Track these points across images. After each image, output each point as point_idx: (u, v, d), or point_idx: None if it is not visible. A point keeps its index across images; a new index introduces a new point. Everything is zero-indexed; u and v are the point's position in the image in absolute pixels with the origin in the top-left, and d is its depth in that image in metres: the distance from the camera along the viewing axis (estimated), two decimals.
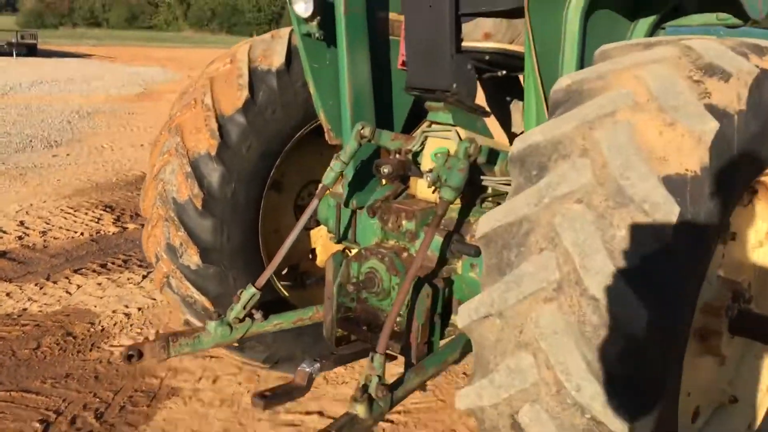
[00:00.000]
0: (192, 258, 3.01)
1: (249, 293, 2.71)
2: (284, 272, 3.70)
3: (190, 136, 3.01)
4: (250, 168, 3.06)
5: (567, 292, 1.72)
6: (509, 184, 2.73)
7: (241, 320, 2.72)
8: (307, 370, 2.53)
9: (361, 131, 2.83)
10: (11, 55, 28.17)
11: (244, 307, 2.69)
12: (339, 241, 3.29)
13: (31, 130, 10.98)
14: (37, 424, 3.03)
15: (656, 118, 1.79)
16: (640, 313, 1.64)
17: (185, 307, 3.13)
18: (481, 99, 3.18)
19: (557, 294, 1.73)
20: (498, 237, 1.91)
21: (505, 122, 3.52)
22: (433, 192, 2.63)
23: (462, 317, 1.94)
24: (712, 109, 1.77)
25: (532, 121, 2.43)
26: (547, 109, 2.40)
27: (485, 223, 1.94)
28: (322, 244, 3.76)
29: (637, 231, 1.68)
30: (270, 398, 2.45)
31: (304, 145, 3.37)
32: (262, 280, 2.71)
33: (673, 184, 1.68)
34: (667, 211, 1.65)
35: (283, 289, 3.41)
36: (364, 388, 2.16)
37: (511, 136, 3.58)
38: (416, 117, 3.58)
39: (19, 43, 29.37)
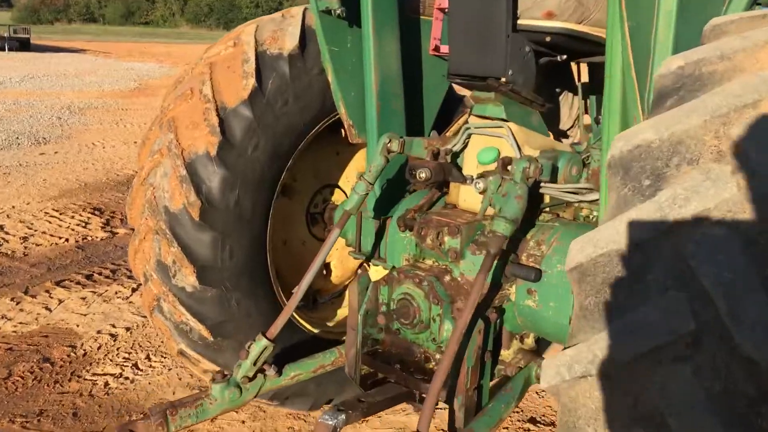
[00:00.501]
0: (187, 278, 2.52)
1: (260, 346, 2.27)
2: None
3: (185, 133, 2.53)
4: (257, 171, 2.58)
5: (708, 349, 1.25)
6: (575, 193, 2.28)
7: (252, 378, 2.25)
8: (330, 423, 2.05)
9: (389, 145, 2.37)
10: (3, 49, 27.55)
11: (255, 363, 2.23)
12: (360, 256, 2.81)
13: (19, 126, 10.44)
14: None
15: None
16: None
17: (179, 336, 2.65)
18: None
19: (693, 352, 1.26)
20: (599, 270, 1.43)
21: (551, 118, 3.03)
22: (482, 203, 2.15)
23: (548, 374, 1.46)
24: None
25: (614, 117, 1.94)
26: (640, 100, 1.93)
27: (579, 250, 1.46)
28: (338, 257, 3.27)
29: None
30: None
31: (319, 143, 2.90)
32: (274, 330, 2.25)
33: None
34: None
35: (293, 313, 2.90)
36: None
37: (558, 134, 3.10)
38: (450, 111, 3.11)
39: (12, 37, 28.73)
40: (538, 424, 2.99)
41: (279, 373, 2.32)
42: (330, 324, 3.12)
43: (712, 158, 1.35)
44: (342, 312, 3.28)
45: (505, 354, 2.36)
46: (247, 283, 2.65)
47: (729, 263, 1.24)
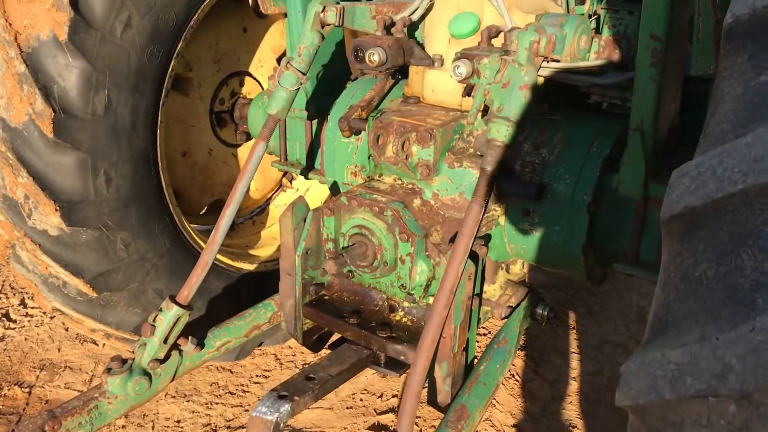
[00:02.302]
0: (48, 218, 1.83)
1: (169, 317, 1.62)
2: (203, 212, 2.53)
3: (17, 8, 1.72)
4: (133, 60, 1.82)
5: None
6: (590, 73, 1.67)
7: (163, 360, 1.61)
8: (269, 417, 1.47)
9: (322, 15, 1.66)
10: None
11: (165, 340, 1.58)
12: (287, 167, 2.16)
13: None
14: None
15: None
16: None
17: (49, 292, 1.97)
18: None
19: None
20: (726, 219, 0.86)
21: None
22: (469, 95, 1.51)
23: (636, 386, 0.93)
24: None
25: None
26: None
27: (690, 185, 0.88)
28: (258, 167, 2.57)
29: None
30: None
31: (218, 17, 2.12)
32: (188, 292, 1.61)
33: None
34: None
35: (198, 238, 2.23)
36: None
37: None
38: None
39: None
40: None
41: (200, 345, 1.70)
42: (253, 252, 2.48)
43: None
44: (267, 234, 2.65)
45: (491, 290, 1.83)
46: (136, 218, 1.96)
47: None
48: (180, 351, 1.68)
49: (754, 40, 0.89)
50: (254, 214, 2.70)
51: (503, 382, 2.37)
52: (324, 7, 1.70)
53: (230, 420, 2.24)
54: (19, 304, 2.79)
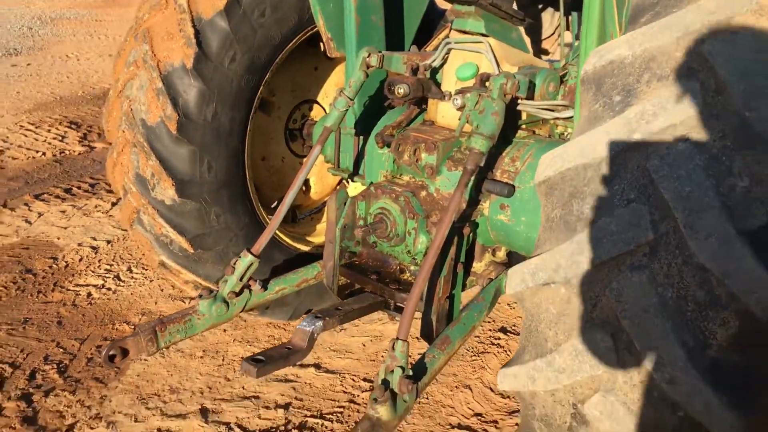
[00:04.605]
0: (167, 191, 2.55)
1: (245, 262, 2.26)
2: (273, 205, 3.25)
3: (161, 44, 2.49)
4: (234, 84, 2.56)
5: (664, 258, 1.32)
6: (551, 110, 2.31)
7: (238, 293, 2.28)
8: (308, 329, 2.14)
9: (368, 59, 2.35)
10: None
11: (241, 279, 2.26)
12: (339, 173, 2.84)
13: None
14: None
15: None
16: (762, 287, 1.24)
17: (159, 248, 2.69)
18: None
19: (650, 260, 1.33)
20: (566, 183, 1.49)
21: (534, 31, 3.01)
22: (460, 119, 2.17)
23: (513, 282, 1.54)
24: None
25: (592, 33, 1.95)
26: (618, 15, 1.93)
27: (549, 164, 1.51)
28: (318, 174, 3.30)
29: (765, 182, 1.26)
30: (264, 363, 2.06)
31: (298, 57, 2.87)
32: (259, 246, 2.27)
33: None
34: None
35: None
36: (386, 383, 1.75)
37: (539, 48, 3.09)
38: (431, 26, 3.07)
39: None
40: (508, 333, 3.13)
41: (264, 287, 2.37)
42: (309, 238, 3.18)
43: (682, 75, 1.38)
44: (321, 227, 3.34)
45: (477, 266, 2.44)
46: (227, 198, 2.68)
47: (690, 178, 1.29)
48: (250, 289, 2.35)
49: (596, 85, 1.52)
50: (313, 212, 3.40)
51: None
52: (369, 54, 2.40)
53: None
54: (127, 270, 3.58)
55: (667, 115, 1.35)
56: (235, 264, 2.31)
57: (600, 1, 1.88)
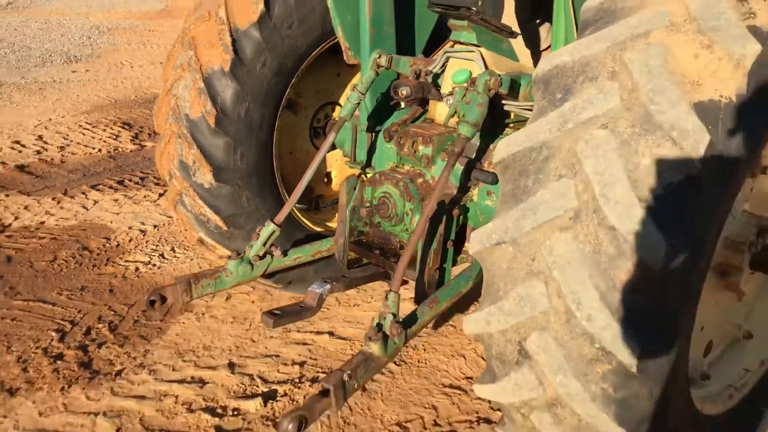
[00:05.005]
0: (205, 176, 2.97)
1: (269, 230, 2.65)
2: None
3: (203, 51, 2.92)
4: (265, 86, 2.97)
5: (584, 221, 1.66)
6: (530, 109, 2.66)
7: (261, 257, 2.68)
8: (318, 291, 2.53)
9: (378, 60, 2.74)
10: None
11: (264, 244, 2.65)
12: (355, 165, 3.22)
13: (51, 45, 10.86)
14: (53, 333, 3.09)
15: (693, 40, 1.67)
16: (659, 245, 1.57)
17: (198, 226, 3.12)
18: (508, 18, 3.02)
19: (574, 223, 1.67)
20: (516, 163, 1.84)
21: (533, 43, 3.37)
22: (451, 117, 2.54)
23: (474, 243, 1.90)
24: (756, 32, 1.64)
25: (560, 41, 2.30)
26: (576, 29, 2.28)
27: (504, 147, 1.86)
28: (338, 167, 3.70)
29: (662, 160, 1.60)
30: (280, 316, 2.46)
31: (321, 64, 3.27)
32: (281, 216, 2.66)
33: (706, 111, 1.59)
34: (697, 139, 1.56)
35: (297, 212, 3.36)
36: (379, 326, 2.13)
37: (538, 58, 3.44)
38: (439, 37, 3.44)
39: None
40: None
41: (284, 254, 2.77)
42: (329, 224, 3.58)
43: (607, 77, 1.73)
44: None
45: (468, 246, 2.79)
46: (257, 184, 3.09)
47: (606, 157, 1.64)
48: (272, 255, 2.75)
49: (545, 85, 1.87)
50: (334, 202, 3.79)
51: None
52: (380, 55, 2.77)
53: (300, 328, 3.28)
54: (170, 250, 4.04)
55: (593, 109, 1.69)
56: (259, 232, 2.71)
57: (563, 19, 2.23)
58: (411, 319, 2.26)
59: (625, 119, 1.66)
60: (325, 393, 1.85)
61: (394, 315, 2.14)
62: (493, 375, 1.96)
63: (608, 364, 1.66)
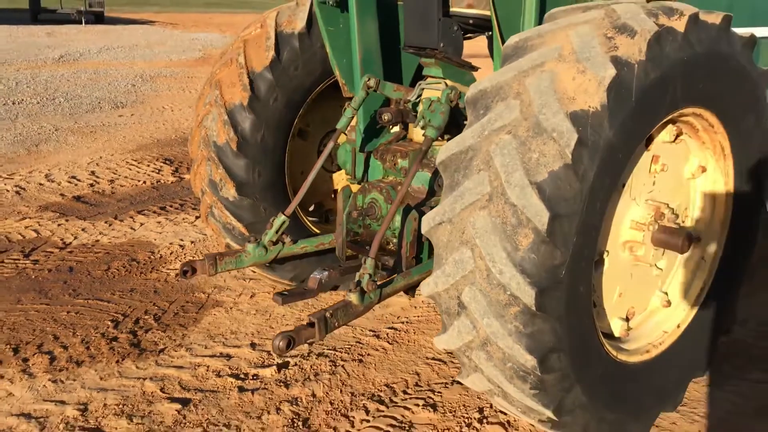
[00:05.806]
0: (230, 191, 3.65)
1: (280, 220, 3.29)
2: (311, 209, 4.32)
3: (227, 90, 3.63)
4: (277, 117, 3.65)
5: (495, 201, 2.25)
6: None
7: (274, 243, 3.32)
8: (318, 276, 3.15)
9: (368, 82, 3.40)
10: (80, 22, 29.52)
11: (277, 232, 3.30)
12: (355, 181, 3.87)
13: (100, 93, 11.91)
14: (109, 323, 3.77)
15: (573, 67, 2.28)
16: (545, 215, 2.16)
17: (225, 233, 3.79)
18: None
19: (488, 203, 2.27)
20: (452, 162, 2.45)
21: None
22: (417, 119, 3.17)
23: (424, 224, 2.50)
24: (615, 60, 2.24)
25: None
26: None
27: (443, 152, 2.48)
28: (342, 185, 4.35)
29: (547, 154, 2.20)
30: (287, 296, 3.08)
31: (324, 98, 3.95)
32: (290, 209, 3.31)
33: (577, 117, 2.18)
34: (569, 138, 2.16)
35: (309, 224, 4.02)
36: (358, 283, 2.74)
37: None
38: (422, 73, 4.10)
39: (88, 11, 30.65)
40: None
41: (293, 242, 3.41)
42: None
43: (513, 96, 2.34)
44: None
45: None
46: (272, 197, 3.76)
47: (509, 154, 2.25)
48: (283, 242, 3.39)
49: (473, 104, 2.49)
50: None
51: None
52: (369, 78, 3.41)
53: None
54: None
55: (501, 120, 2.31)
56: (272, 222, 3.35)
57: (499, 56, 2.86)
58: (386, 284, 2.87)
59: (522, 126, 2.27)
60: (311, 324, 2.47)
61: (371, 275, 2.73)
62: (445, 328, 2.54)
63: (517, 306, 2.24)
